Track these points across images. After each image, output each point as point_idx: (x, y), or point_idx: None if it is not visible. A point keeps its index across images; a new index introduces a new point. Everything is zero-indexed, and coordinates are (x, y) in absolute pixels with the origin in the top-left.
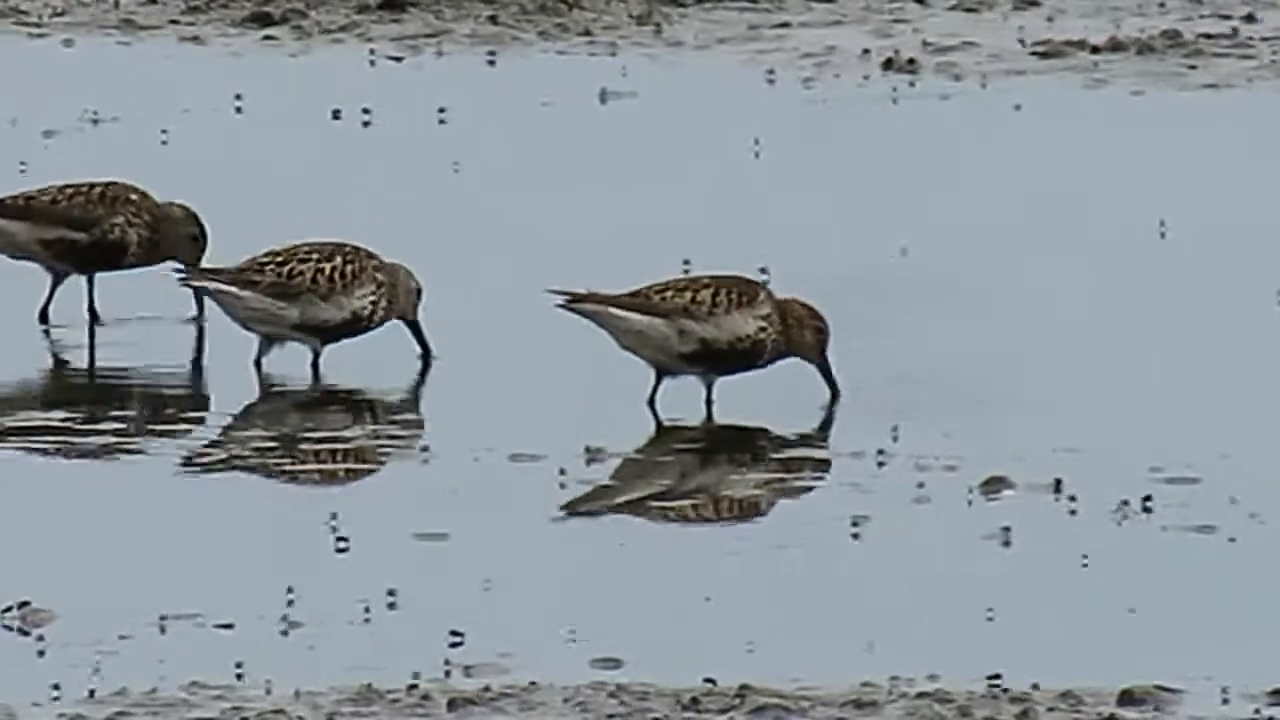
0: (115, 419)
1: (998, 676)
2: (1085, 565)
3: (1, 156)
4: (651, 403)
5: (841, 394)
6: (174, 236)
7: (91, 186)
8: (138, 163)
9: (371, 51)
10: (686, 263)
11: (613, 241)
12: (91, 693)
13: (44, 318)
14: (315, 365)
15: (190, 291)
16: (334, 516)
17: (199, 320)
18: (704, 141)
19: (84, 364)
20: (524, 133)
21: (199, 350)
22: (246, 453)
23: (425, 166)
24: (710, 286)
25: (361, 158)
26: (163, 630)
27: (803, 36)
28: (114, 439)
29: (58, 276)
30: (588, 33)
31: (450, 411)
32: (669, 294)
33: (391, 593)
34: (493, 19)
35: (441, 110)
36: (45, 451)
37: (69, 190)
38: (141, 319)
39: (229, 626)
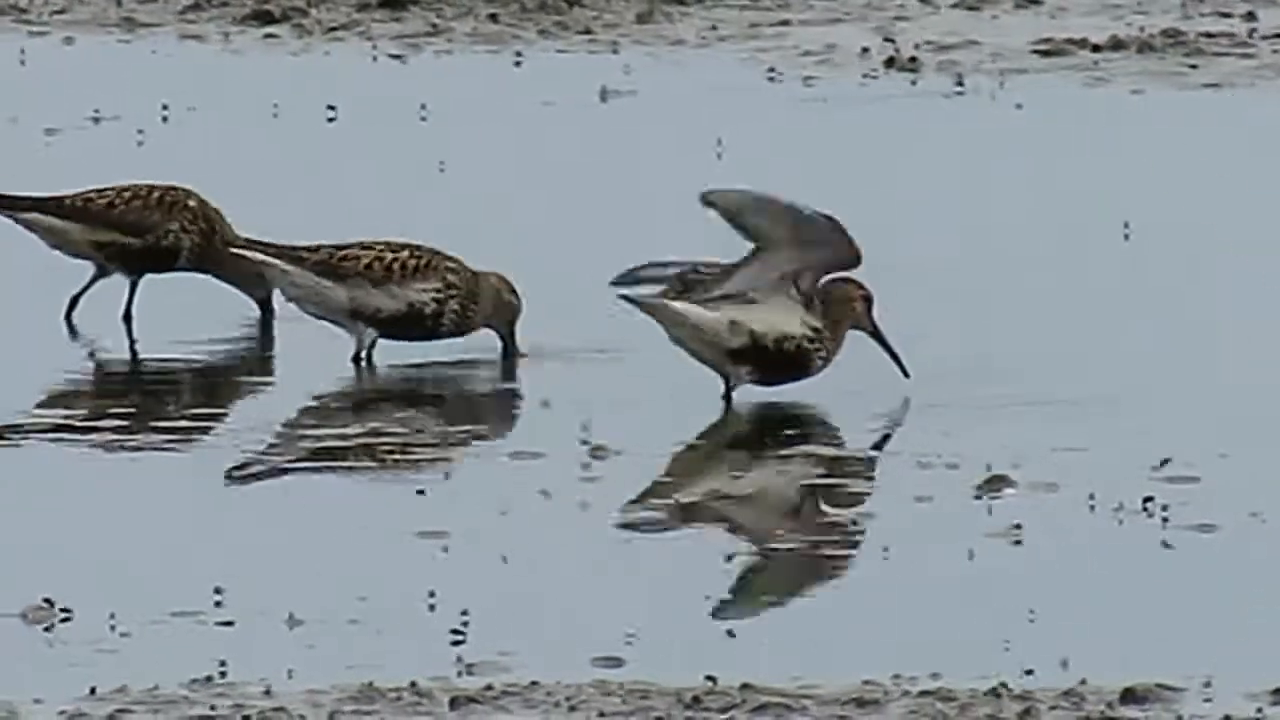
0: (119, 415)
1: (999, 674)
2: (1086, 564)
3: (2, 155)
4: (726, 398)
5: (907, 369)
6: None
7: (150, 191)
8: (139, 161)
9: (374, 48)
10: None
11: (610, 239)
12: (93, 690)
13: (71, 310)
14: (356, 360)
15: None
16: (335, 514)
17: (266, 319)
18: (704, 139)
19: (108, 360)
20: (525, 131)
21: (263, 340)
22: (248, 450)
23: (425, 165)
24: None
25: (363, 155)
26: (164, 627)
27: (804, 34)
28: (115, 435)
29: (101, 274)
30: (588, 31)
31: (450, 408)
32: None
33: (393, 590)
34: (493, 17)
35: (443, 109)
36: (50, 448)
37: (127, 194)
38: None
39: (230, 624)
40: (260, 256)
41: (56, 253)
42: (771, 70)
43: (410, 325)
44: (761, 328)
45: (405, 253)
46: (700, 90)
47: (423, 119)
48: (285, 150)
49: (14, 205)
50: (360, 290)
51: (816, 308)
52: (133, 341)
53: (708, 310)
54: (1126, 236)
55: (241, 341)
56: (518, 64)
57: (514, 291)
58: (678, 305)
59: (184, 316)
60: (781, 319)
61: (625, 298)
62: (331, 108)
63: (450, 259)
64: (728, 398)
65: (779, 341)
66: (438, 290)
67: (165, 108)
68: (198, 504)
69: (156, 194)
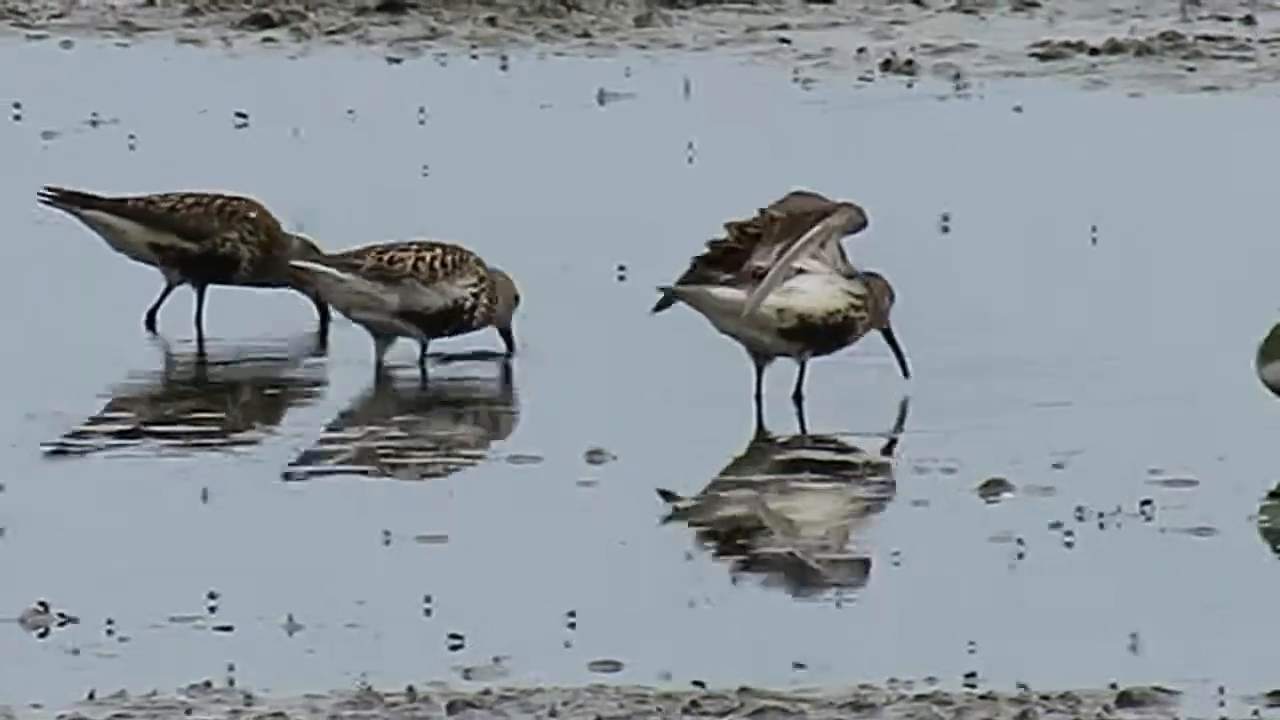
0: (119, 420)
1: (996, 678)
2: (1083, 567)
3: (0, 158)
4: (758, 397)
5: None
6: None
7: (213, 199)
8: (137, 165)
9: (372, 53)
10: (622, 268)
11: (607, 241)
12: (91, 694)
13: (151, 324)
14: (422, 360)
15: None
16: (333, 518)
17: (324, 324)
18: (703, 143)
19: (111, 364)
20: (522, 134)
21: (320, 341)
22: (243, 454)
23: (423, 168)
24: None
25: (361, 159)
26: (162, 632)
27: (801, 38)
28: (115, 441)
29: (171, 284)
30: (587, 34)
31: (447, 412)
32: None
33: (391, 595)
34: (492, 21)
35: (441, 112)
36: (49, 451)
37: (190, 199)
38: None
39: (229, 629)
40: (316, 268)
41: (120, 255)
42: (769, 74)
43: (450, 321)
44: (807, 308)
45: (438, 250)
46: (697, 93)
47: (421, 122)
48: (283, 154)
49: (79, 202)
50: (412, 292)
51: (857, 274)
52: (202, 349)
53: (751, 294)
54: (1094, 240)
55: (263, 347)
56: (503, 68)
57: (514, 286)
58: (719, 291)
59: (213, 322)
60: (825, 296)
61: (664, 289)
62: (330, 111)
63: (469, 252)
64: (758, 397)
65: (827, 318)
66: (474, 285)
67: (164, 113)
68: (196, 508)
69: (219, 202)
